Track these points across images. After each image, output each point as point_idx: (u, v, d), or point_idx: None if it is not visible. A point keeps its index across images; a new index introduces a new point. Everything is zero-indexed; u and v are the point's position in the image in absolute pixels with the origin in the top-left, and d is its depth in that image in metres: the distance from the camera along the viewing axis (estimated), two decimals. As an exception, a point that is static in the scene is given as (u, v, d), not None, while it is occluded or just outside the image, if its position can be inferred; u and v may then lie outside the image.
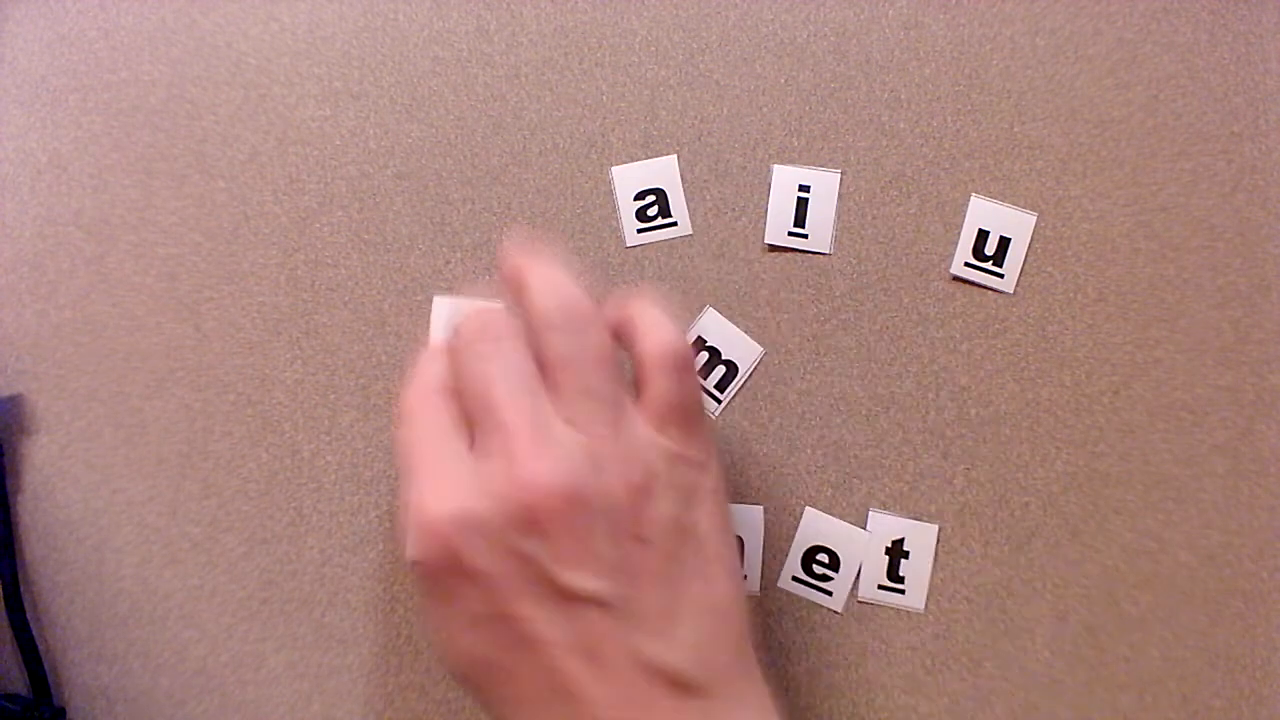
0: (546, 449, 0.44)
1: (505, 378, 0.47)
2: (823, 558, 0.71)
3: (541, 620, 0.42)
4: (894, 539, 0.72)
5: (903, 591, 0.71)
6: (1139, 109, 0.74)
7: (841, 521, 0.72)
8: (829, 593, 0.71)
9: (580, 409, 0.46)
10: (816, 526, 0.72)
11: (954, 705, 0.71)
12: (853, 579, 0.71)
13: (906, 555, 0.71)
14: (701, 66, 0.75)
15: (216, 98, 0.75)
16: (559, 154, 0.74)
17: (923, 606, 0.71)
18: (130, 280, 0.74)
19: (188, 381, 0.73)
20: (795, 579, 0.71)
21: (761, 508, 0.72)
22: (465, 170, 0.74)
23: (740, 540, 0.72)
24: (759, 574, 0.72)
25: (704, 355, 0.73)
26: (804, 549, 0.71)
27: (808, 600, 0.72)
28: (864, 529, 0.71)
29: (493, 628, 0.43)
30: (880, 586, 0.71)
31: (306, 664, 0.72)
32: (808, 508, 0.72)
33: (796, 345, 0.73)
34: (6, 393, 0.73)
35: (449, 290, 0.73)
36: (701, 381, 0.72)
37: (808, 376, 0.73)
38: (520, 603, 0.42)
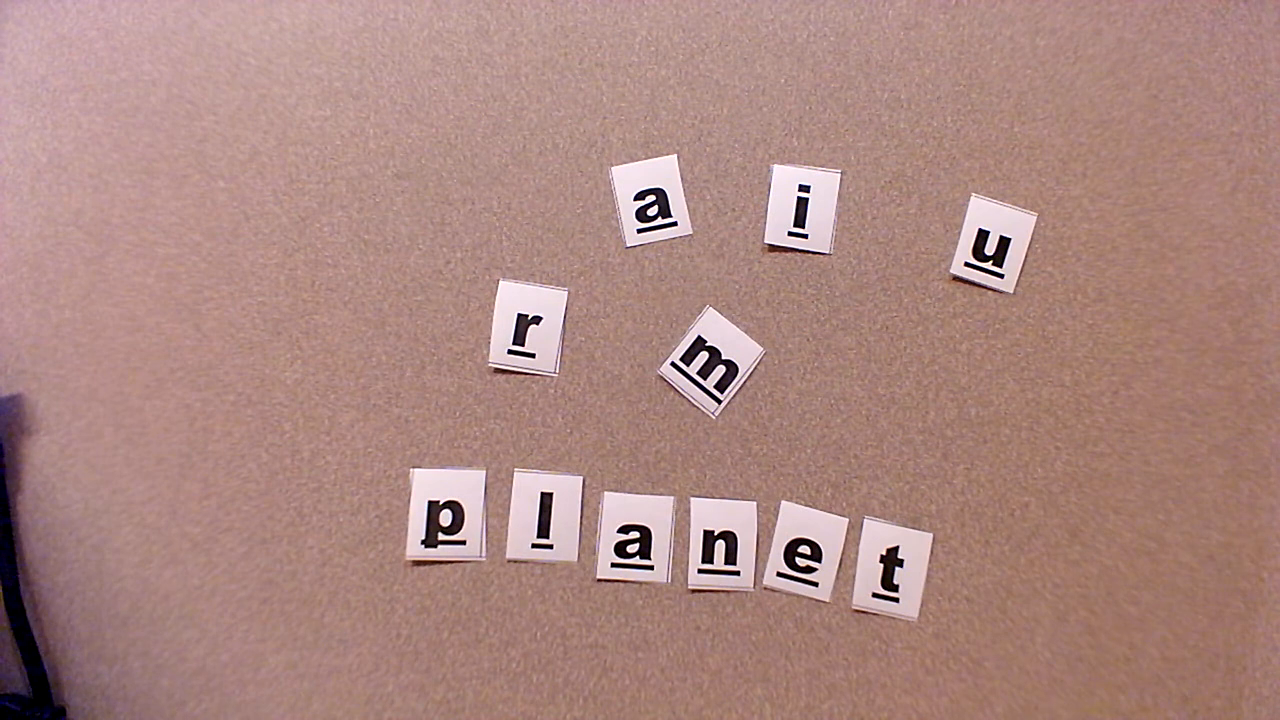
0: None
1: None
2: (805, 550, 0.72)
3: None
4: (888, 547, 0.72)
5: (896, 600, 0.71)
6: (1139, 109, 0.74)
7: (818, 511, 0.72)
8: (814, 584, 0.71)
9: None
10: (796, 519, 0.72)
11: (954, 705, 0.71)
12: (836, 567, 0.72)
13: (900, 564, 0.71)
14: (701, 66, 0.75)
15: (216, 98, 0.75)
16: (559, 154, 0.74)
17: (916, 615, 0.71)
18: (130, 280, 0.74)
19: (188, 381, 0.73)
20: (780, 574, 0.72)
21: (754, 504, 0.72)
22: (465, 170, 0.74)
23: (734, 536, 0.72)
24: (753, 572, 0.72)
25: (704, 355, 0.73)
26: (785, 543, 0.72)
27: (795, 595, 0.72)
28: (843, 516, 0.72)
29: None
30: (874, 595, 0.71)
31: (306, 664, 0.72)
32: (784, 502, 0.72)
33: (796, 345, 0.73)
34: (6, 393, 0.73)
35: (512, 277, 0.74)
36: (701, 382, 0.73)
37: (808, 376, 0.73)
38: None
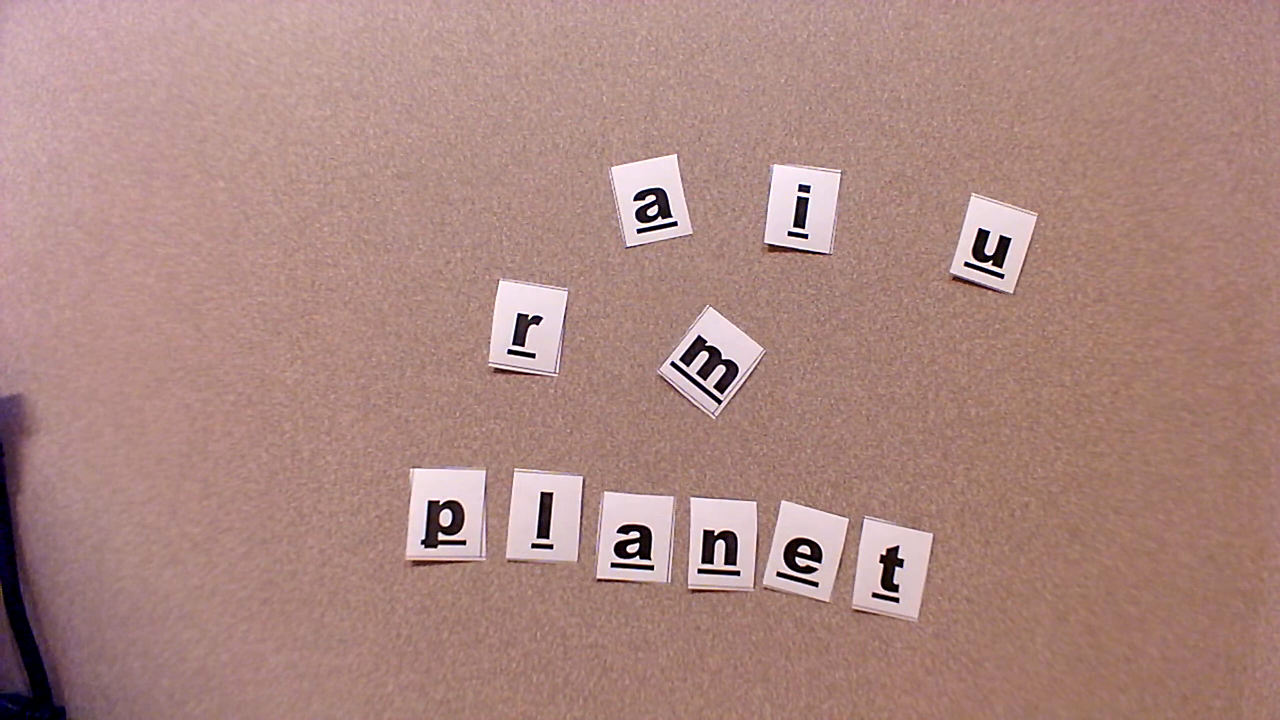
0: None
1: None
2: (805, 550, 0.72)
3: None
4: (888, 547, 0.72)
5: (896, 600, 0.71)
6: (1139, 109, 0.74)
7: (818, 511, 0.72)
8: (814, 584, 0.71)
9: None
10: (796, 519, 0.72)
11: (954, 705, 0.71)
12: (836, 567, 0.72)
13: (901, 564, 0.71)
14: (701, 66, 0.75)
15: (216, 98, 0.75)
16: (559, 154, 0.74)
17: (916, 616, 0.71)
18: (130, 280, 0.74)
19: (188, 381, 0.73)
20: (780, 574, 0.72)
21: (754, 504, 0.72)
22: (465, 170, 0.74)
23: (734, 536, 0.72)
24: (753, 572, 0.72)
25: (704, 355, 0.73)
26: (785, 543, 0.72)
27: (795, 595, 0.72)
28: (843, 516, 0.72)
29: None
30: (874, 595, 0.71)
31: (306, 664, 0.72)
32: (784, 502, 0.72)
33: (796, 345, 0.73)
34: (6, 393, 0.73)
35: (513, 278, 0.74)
36: (701, 382, 0.73)
37: (808, 376, 0.73)
38: None
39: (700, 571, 0.72)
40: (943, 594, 0.71)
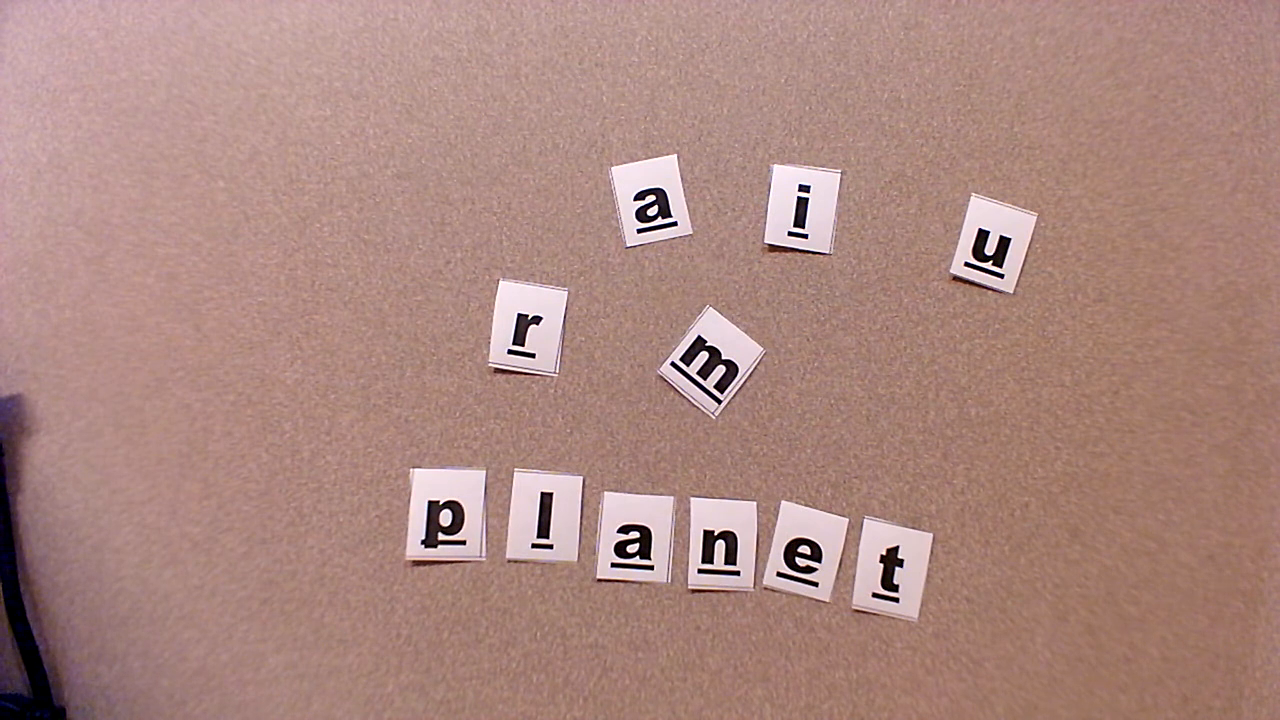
0: None
1: None
2: (805, 550, 0.72)
3: None
4: (888, 547, 0.72)
5: (896, 600, 0.71)
6: (1139, 109, 0.74)
7: (818, 511, 0.72)
8: (814, 584, 0.71)
9: None
10: (796, 519, 0.72)
11: (954, 705, 0.71)
12: (836, 567, 0.72)
13: (901, 564, 0.71)
14: (701, 66, 0.75)
15: (216, 98, 0.75)
16: (559, 154, 0.74)
17: (916, 615, 0.71)
18: (130, 280, 0.74)
19: (188, 381, 0.73)
20: (780, 574, 0.72)
21: (754, 504, 0.72)
22: (465, 170, 0.74)
23: (734, 536, 0.72)
24: (753, 572, 0.72)
25: (704, 355, 0.73)
26: (785, 543, 0.72)
27: (795, 595, 0.72)
28: (843, 516, 0.72)
29: None
30: (874, 595, 0.71)
31: (306, 664, 0.72)
32: (784, 502, 0.72)
33: (796, 345, 0.73)
34: (6, 393, 0.73)
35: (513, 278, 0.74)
36: (701, 382, 0.73)
37: (808, 376, 0.73)
38: None
39: (700, 571, 0.72)
40: (943, 594, 0.71)
